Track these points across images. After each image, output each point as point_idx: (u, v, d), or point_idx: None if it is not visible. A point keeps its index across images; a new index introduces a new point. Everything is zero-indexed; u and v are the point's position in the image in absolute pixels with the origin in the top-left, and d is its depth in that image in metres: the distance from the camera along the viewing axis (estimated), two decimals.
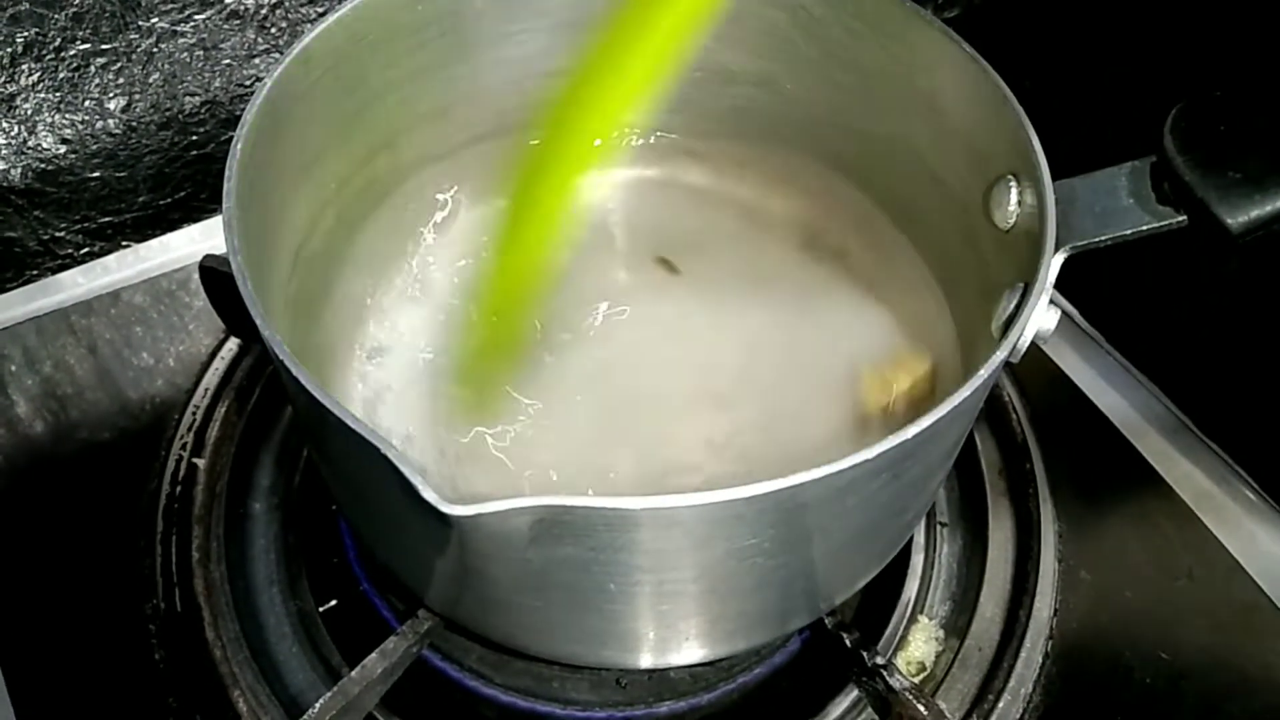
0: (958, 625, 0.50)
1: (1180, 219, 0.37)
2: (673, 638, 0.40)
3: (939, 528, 0.53)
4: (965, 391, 0.33)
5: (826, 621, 0.47)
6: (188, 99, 0.61)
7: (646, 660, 0.41)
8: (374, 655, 0.43)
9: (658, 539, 0.32)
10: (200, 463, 0.53)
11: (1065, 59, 0.62)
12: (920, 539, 0.53)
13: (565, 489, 0.46)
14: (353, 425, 0.31)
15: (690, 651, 0.41)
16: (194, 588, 0.49)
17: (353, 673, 0.43)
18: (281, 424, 0.56)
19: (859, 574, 0.44)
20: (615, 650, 0.40)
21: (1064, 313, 0.59)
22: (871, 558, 0.44)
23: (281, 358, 0.33)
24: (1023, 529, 0.53)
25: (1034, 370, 0.58)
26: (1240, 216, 0.35)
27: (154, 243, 0.63)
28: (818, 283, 0.54)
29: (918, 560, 0.52)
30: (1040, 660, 0.49)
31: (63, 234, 0.61)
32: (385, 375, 0.51)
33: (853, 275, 0.54)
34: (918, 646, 0.50)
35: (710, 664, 0.48)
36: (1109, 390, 0.57)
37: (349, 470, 0.38)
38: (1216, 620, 0.50)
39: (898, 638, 0.50)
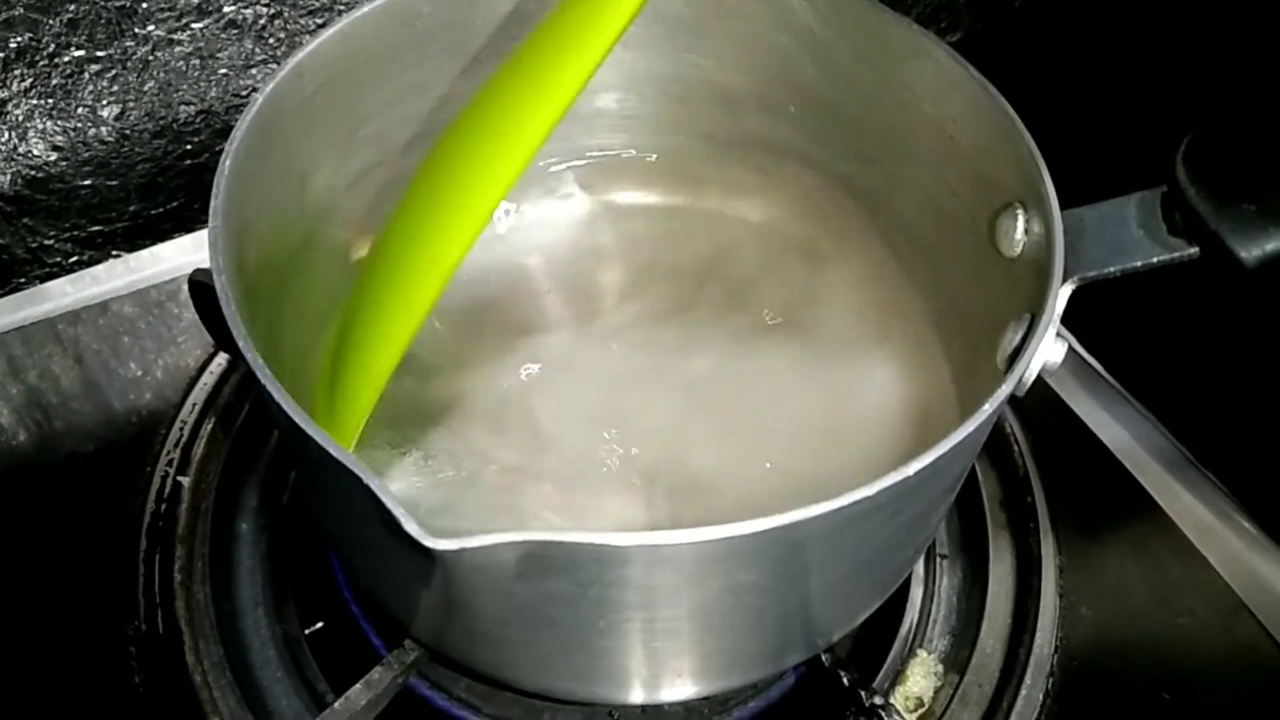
0: (957, 660, 0.49)
1: (1191, 251, 0.36)
2: (665, 674, 0.39)
3: (938, 559, 0.52)
4: (969, 427, 0.32)
5: (823, 658, 0.46)
6: (183, 108, 0.60)
7: (637, 696, 0.40)
8: (359, 686, 0.42)
9: (649, 576, 0.31)
10: (185, 481, 0.52)
11: (1070, 85, 0.61)
12: (919, 570, 0.52)
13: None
14: (335, 454, 0.30)
15: (683, 688, 0.40)
16: (176, 609, 0.48)
17: (336, 704, 0.42)
18: (270, 442, 0.55)
19: (858, 610, 0.43)
20: (605, 686, 0.39)
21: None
22: (871, 593, 0.43)
23: (264, 383, 0.32)
24: (1023, 563, 0.52)
25: (1036, 401, 0.57)
26: (1254, 250, 0.34)
27: (144, 253, 0.61)
28: (821, 303, 0.53)
29: (916, 592, 0.51)
30: (1041, 699, 0.48)
31: (51, 242, 0.61)
32: None
33: (852, 300, 0.53)
34: (916, 681, 0.49)
35: (704, 699, 0.47)
36: (1111, 423, 0.56)
37: (332, 499, 0.37)
38: (1219, 660, 0.49)
39: (896, 672, 0.49)
